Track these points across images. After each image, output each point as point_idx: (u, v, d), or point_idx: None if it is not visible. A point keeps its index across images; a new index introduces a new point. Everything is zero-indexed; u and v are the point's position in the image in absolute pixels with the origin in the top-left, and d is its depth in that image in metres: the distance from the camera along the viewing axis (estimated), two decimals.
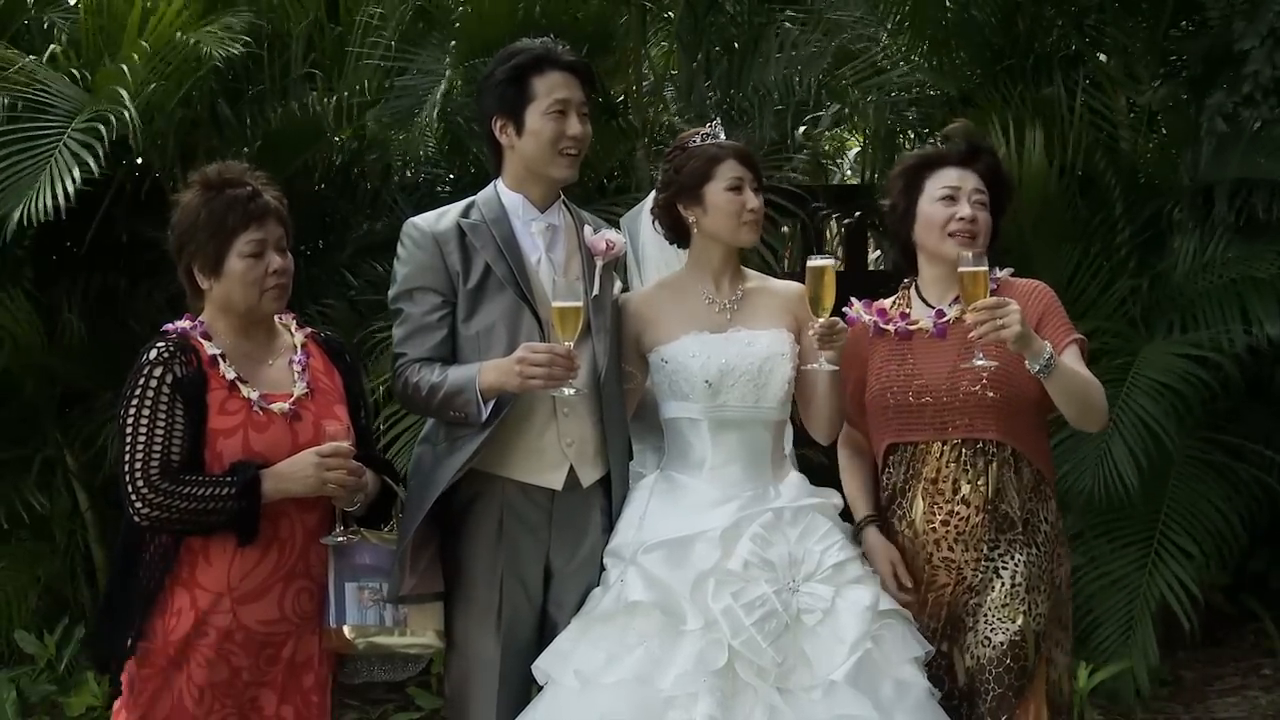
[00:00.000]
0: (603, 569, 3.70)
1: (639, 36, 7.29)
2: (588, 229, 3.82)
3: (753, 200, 3.79)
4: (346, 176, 7.35)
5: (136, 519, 3.37)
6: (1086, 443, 5.69)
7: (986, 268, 3.57)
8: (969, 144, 3.87)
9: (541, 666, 3.63)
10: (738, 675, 3.47)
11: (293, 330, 3.64)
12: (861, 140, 8.97)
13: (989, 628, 3.66)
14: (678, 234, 3.90)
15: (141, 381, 3.39)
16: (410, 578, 3.57)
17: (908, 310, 3.84)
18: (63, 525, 6.71)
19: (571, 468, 3.70)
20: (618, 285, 3.95)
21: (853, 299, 3.92)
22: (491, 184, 3.83)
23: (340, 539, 3.51)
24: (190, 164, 5.73)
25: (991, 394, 3.66)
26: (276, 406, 3.46)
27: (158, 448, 3.36)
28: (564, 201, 3.86)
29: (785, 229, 7.52)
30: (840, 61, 7.09)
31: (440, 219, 3.75)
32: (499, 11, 6.41)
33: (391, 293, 3.76)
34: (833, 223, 8.58)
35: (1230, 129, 6.16)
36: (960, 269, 3.56)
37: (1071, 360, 3.64)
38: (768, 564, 3.57)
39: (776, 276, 4.18)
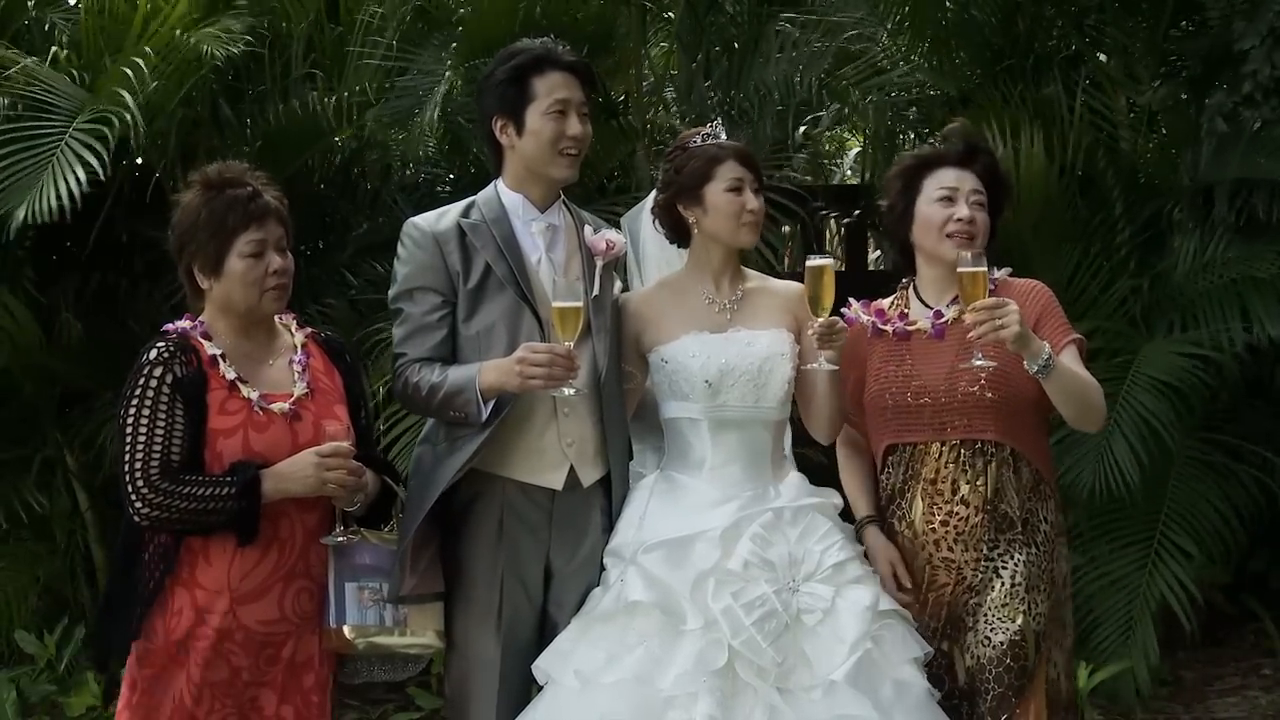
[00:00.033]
0: (603, 569, 3.70)
1: (639, 37, 7.27)
2: (588, 229, 3.82)
3: (753, 201, 3.79)
4: (346, 176, 7.36)
5: (136, 519, 3.37)
6: (1087, 439, 5.69)
7: (985, 268, 3.56)
8: (966, 144, 3.87)
9: (541, 666, 3.63)
10: (738, 675, 3.47)
11: (293, 330, 3.64)
12: (861, 140, 8.96)
13: (989, 627, 3.66)
14: (678, 234, 3.90)
15: (141, 381, 3.39)
16: (410, 578, 3.57)
17: (906, 311, 3.84)
18: (63, 525, 6.71)
19: (572, 468, 3.69)
20: (618, 285, 3.96)
21: (851, 299, 3.92)
22: (492, 184, 3.83)
23: (340, 539, 3.51)
24: (191, 164, 5.71)
25: (990, 394, 3.66)
26: (276, 406, 3.46)
27: (158, 448, 3.36)
28: (564, 201, 3.86)
29: (785, 229, 7.53)
30: (840, 62, 7.10)
31: (440, 219, 3.75)
32: (499, 12, 6.41)
33: (392, 293, 3.76)
34: (833, 223, 8.57)
35: (1230, 129, 6.15)
36: (959, 269, 3.56)
37: (1070, 360, 3.64)
38: (768, 564, 3.57)
39: (776, 276, 4.17)
